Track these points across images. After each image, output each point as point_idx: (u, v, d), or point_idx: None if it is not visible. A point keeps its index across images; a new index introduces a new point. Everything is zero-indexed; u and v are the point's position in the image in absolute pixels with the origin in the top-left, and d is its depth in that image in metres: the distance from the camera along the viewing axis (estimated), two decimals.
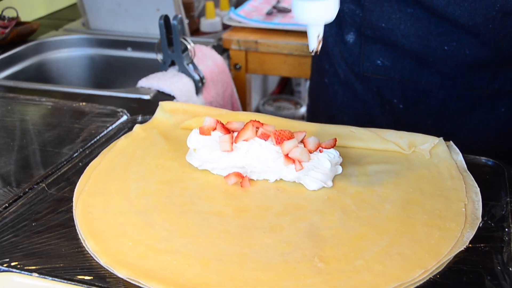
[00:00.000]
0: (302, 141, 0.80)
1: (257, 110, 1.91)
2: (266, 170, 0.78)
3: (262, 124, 0.80)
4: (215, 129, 0.82)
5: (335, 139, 0.81)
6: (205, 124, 0.82)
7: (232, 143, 0.79)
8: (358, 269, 0.61)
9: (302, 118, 1.93)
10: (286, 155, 0.77)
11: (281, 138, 0.78)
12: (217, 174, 0.80)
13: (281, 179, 0.78)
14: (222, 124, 0.81)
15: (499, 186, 0.77)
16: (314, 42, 0.73)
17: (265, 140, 0.78)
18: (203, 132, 0.81)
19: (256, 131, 0.79)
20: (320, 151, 0.79)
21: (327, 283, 0.59)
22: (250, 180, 0.78)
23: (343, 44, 1.12)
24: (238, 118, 0.90)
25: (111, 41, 1.64)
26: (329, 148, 0.79)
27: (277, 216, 0.71)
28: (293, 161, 0.77)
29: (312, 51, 0.74)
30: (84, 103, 1.05)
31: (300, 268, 0.61)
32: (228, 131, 0.81)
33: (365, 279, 0.59)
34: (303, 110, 1.99)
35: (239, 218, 0.70)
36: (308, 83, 2.08)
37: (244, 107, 1.55)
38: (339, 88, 1.17)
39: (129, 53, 1.63)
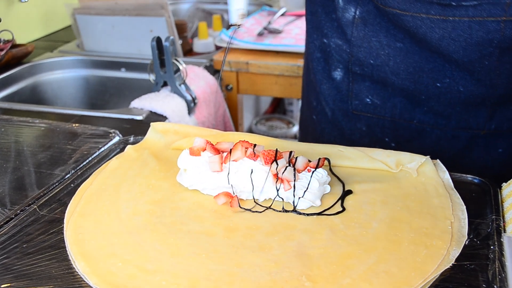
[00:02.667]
0: (290, 161, 0.80)
1: (250, 130, 1.92)
2: (255, 189, 0.78)
3: (252, 144, 0.81)
4: (205, 149, 0.82)
5: (324, 158, 0.82)
6: (195, 144, 0.83)
7: (221, 164, 0.80)
8: None
9: (294, 137, 1.94)
10: (275, 175, 0.78)
11: (269, 158, 0.79)
12: (207, 194, 0.80)
13: (270, 199, 0.79)
14: (212, 145, 0.82)
15: (485, 203, 0.78)
16: (234, 16, 0.73)
17: (254, 160, 0.79)
18: (193, 152, 0.82)
19: (246, 151, 0.80)
20: (308, 171, 0.79)
21: None
22: (240, 199, 0.78)
23: (330, 80, 1.07)
24: (228, 138, 0.91)
25: (105, 62, 1.65)
26: (317, 168, 0.80)
27: (266, 236, 0.71)
28: (282, 180, 0.77)
29: (232, 24, 0.73)
30: (77, 125, 1.06)
31: (287, 287, 0.61)
32: (217, 151, 0.81)
33: None
34: (295, 129, 2.00)
35: (228, 238, 0.70)
36: (300, 102, 2.09)
37: (237, 127, 1.56)
38: (326, 126, 1.13)
39: (122, 73, 1.64)
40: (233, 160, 0.80)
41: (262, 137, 0.92)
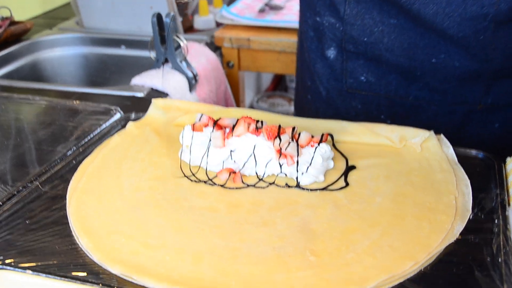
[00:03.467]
0: (293, 136, 0.80)
1: (251, 107, 1.91)
2: (258, 165, 0.78)
3: (254, 120, 0.80)
4: (207, 125, 0.82)
5: (327, 134, 0.81)
6: (197, 120, 0.82)
7: (224, 139, 0.79)
8: (348, 262, 0.61)
9: (294, 114, 1.93)
10: (278, 151, 0.77)
11: (272, 133, 0.78)
12: (210, 170, 0.80)
13: (273, 174, 0.78)
14: (214, 121, 0.81)
15: (489, 178, 0.78)
16: None
17: (257, 136, 0.79)
18: (195, 128, 0.81)
19: (248, 127, 0.79)
20: (312, 146, 0.79)
21: (317, 276, 0.59)
22: (242, 175, 0.78)
23: (324, 59, 1.06)
24: (230, 114, 0.90)
25: (105, 40, 1.64)
26: (321, 143, 0.79)
27: (269, 211, 0.71)
28: (285, 156, 0.77)
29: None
30: (78, 102, 1.05)
31: (291, 261, 0.61)
32: (220, 127, 0.81)
33: (355, 272, 0.59)
34: None
35: (231, 214, 0.70)
36: None
37: (238, 104, 1.55)
38: (321, 105, 1.12)
39: (122, 51, 1.62)
40: (236, 136, 0.79)
41: (264, 112, 0.91)
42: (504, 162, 0.81)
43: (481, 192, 0.74)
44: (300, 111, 1.23)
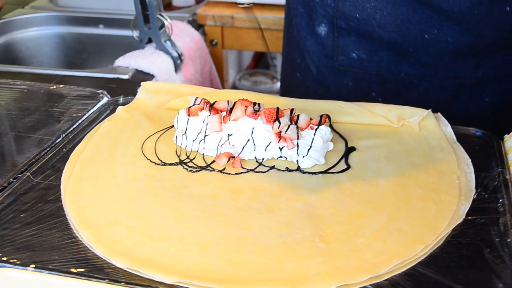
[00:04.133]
0: (292, 119, 0.78)
1: (234, 86, 1.89)
2: (257, 149, 0.77)
3: (251, 102, 0.78)
4: (203, 109, 0.80)
5: (326, 115, 0.80)
6: (192, 104, 0.80)
7: (221, 123, 0.78)
8: (359, 248, 0.60)
9: (279, 92, 1.91)
10: (277, 134, 0.76)
11: (271, 116, 0.76)
12: (207, 155, 0.78)
13: (272, 158, 0.77)
14: (210, 104, 0.79)
15: (489, 156, 0.77)
16: None
17: (255, 119, 0.77)
18: (191, 113, 0.79)
19: (245, 110, 0.78)
20: (311, 128, 0.78)
21: (328, 263, 0.58)
22: (241, 160, 0.76)
23: (315, 36, 1.04)
24: (223, 96, 0.88)
25: (81, 18, 1.59)
26: (320, 125, 0.78)
27: (272, 197, 0.69)
28: (285, 139, 0.75)
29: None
30: (61, 86, 1.01)
31: (300, 249, 0.60)
32: (216, 111, 0.79)
33: (366, 258, 0.59)
34: (279, 84, 1.96)
35: (233, 200, 0.69)
36: None
37: (222, 83, 1.53)
38: (311, 83, 1.10)
39: (101, 30, 1.58)
40: (233, 120, 0.77)
41: (260, 94, 0.89)
42: (502, 139, 0.81)
43: (483, 171, 0.74)
44: (287, 90, 1.21)
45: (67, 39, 1.61)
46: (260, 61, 2.13)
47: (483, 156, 0.78)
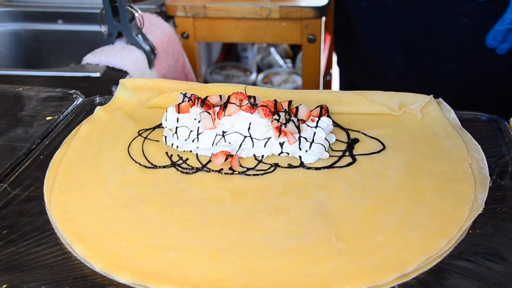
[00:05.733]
0: (291, 111, 0.76)
1: (205, 81, 1.85)
2: (256, 146, 0.74)
3: (246, 95, 0.76)
4: (194, 105, 0.77)
5: (326, 106, 0.78)
6: (182, 100, 0.77)
7: (215, 120, 0.75)
8: (380, 246, 0.59)
9: (253, 84, 1.88)
10: (277, 128, 0.73)
11: (269, 109, 0.74)
12: (201, 155, 0.75)
13: (273, 155, 0.74)
14: (202, 99, 0.76)
15: (498, 141, 0.77)
16: None
17: (252, 114, 0.74)
18: (181, 110, 0.76)
19: (241, 104, 0.75)
20: (312, 120, 0.76)
21: (351, 264, 0.56)
22: (240, 158, 0.74)
23: None
24: (212, 91, 0.85)
25: (37, 13, 1.51)
26: (321, 117, 0.76)
27: (279, 196, 0.67)
28: (285, 133, 0.73)
29: None
30: (28, 87, 0.97)
31: (318, 250, 0.58)
32: (209, 106, 0.76)
33: (390, 256, 0.57)
34: (253, 77, 1.94)
35: (238, 202, 0.66)
36: (255, 47, 2.03)
37: (197, 77, 1.49)
38: None
39: (60, 26, 1.51)
40: (228, 115, 0.75)
41: (253, 87, 0.87)
42: (508, 122, 0.81)
43: (494, 157, 0.73)
44: None
45: (23, 37, 1.54)
46: (230, 54, 2.10)
47: (492, 141, 0.77)
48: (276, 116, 0.73)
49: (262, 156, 0.74)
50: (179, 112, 0.76)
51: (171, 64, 1.29)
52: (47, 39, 1.53)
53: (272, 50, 2.07)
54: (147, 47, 1.17)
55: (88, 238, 0.60)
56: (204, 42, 1.54)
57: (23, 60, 1.55)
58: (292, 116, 0.75)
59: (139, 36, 1.17)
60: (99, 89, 1.01)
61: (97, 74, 1.08)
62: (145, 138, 0.79)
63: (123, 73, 1.10)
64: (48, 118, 0.85)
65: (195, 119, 0.76)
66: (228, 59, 2.07)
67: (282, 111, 0.74)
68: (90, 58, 1.12)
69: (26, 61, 1.55)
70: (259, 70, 2.04)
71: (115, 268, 0.56)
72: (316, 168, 0.72)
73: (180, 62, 1.35)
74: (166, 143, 0.77)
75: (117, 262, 0.57)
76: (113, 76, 1.07)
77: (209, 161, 0.73)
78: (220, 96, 0.77)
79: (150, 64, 1.18)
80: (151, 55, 1.18)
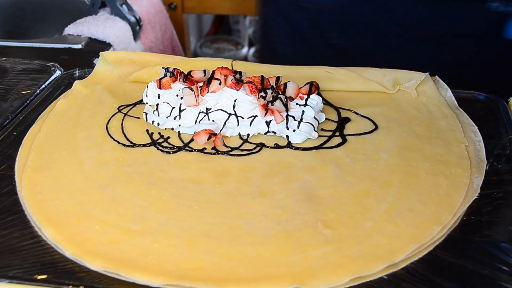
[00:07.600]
0: (278, 88, 0.73)
1: (195, 54, 1.81)
2: (241, 124, 0.71)
3: (232, 71, 0.72)
4: (176, 80, 0.73)
5: (316, 83, 0.75)
6: (163, 75, 0.73)
7: (198, 96, 0.71)
8: (369, 233, 0.56)
9: (244, 59, 1.85)
10: (263, 106, 0.70)
11: (255, 86, 0.71)
12: (183, 133, 0.72)
13: (259, 134, 0.71)
14: (185, 75, 0.72)
15: (496, 122, 0.74)
16: None
17: (237, 90, 0.71)
18: (162, 85, 0.72)
19: (225, 80, 0.71)
20: (301, 98, 0.72)
21: (338, 253, 0.53)
22: (224, 137, 0.71)
23: None
24: (197, 65, 0.82)
25: None
26: (311, 94, 0.73)
27: (263, 178, 0.64)
28: (272, 112, 0.70)
29: None
30: (3, 58, 0.93)
31: (303, 237, 0.55)
32: (192, 82, 0.72)
33: (379, 244, 0.54)
34: (244, 50, 1.90)
35: (220, 184, 0.63)
36: (247, 20, 1.99)
37: (184, 51, 1.45)
38: (278, 17, 1.08)
39: None
40: (212, 92, 0.71)
41: (239, 62, 0.83)
42: (507, 102, 0.78)
43: (492, 139, 0.71)
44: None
45: (4, 6, 1.49)
46: (221, 26, 2.05)
47: (490, 122, 0.74)
48: (262, 93, 0.70)
49: (248, 135, 0.71)
50: (160, 88, 0.72)
51: (158, 37, 1.25)
52: (30, 8, 1.48)
53: None
54: (132, 18, 1.13)
55: (60, 221, 0.57)
56: (193, 14, 1.48)
57: (4, 30, 1.50)
58: (280, 93, 0.72)
59: (124, 6, 1.13)
60: (80, 62, 0.97)
61: (79, 46, 1.04)
62: (125, 114, 0.76)
63: (106, 45, 1.06)
64: (23, 92, 0.82)
65: (177, 95, 0.72)
66: (220, 32, 2.03)
67: (269, 88, 0.71)
68: (72, 29, 1.08)
69: (7, 31, 1.51)
70: (251, 44, 2.00)
71: (86, 254, 0.53)
72: (304, 149, 0.69)
73: (168, 35, 1.31)
74: (147, 120, 0.74)
75: (89, 247, 0.54)
76: (95, 48, 1.03)
77: (192, 140, 0.70)
78: (204, 71, 0.73)
79: (135, 36, 1.14)
80: (136, 27, 1.14)
